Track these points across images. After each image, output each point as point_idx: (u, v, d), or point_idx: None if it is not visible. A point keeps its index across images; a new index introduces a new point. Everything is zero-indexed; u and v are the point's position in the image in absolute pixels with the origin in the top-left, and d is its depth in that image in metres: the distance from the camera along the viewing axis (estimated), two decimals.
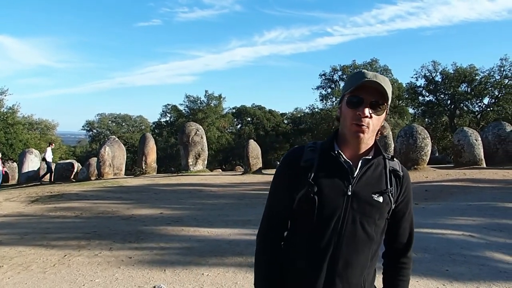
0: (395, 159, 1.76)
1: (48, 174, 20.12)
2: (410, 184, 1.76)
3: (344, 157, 1.65)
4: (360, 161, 1.66)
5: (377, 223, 1.65)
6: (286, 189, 1.70)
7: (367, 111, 1.58)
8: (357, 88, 1.59)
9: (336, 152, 1.66)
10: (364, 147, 1.67)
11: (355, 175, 1.64)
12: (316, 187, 1.61)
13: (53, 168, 20.78)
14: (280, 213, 1.74)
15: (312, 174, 1.63)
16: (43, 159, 20.54)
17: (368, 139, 1.64)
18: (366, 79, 1.58)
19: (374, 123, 1.61)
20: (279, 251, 1.73)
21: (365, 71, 1.64)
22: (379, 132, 1.72)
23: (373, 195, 1.63)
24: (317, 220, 1.61)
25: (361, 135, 1.60)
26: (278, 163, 1.89)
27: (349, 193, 1.61)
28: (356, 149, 1.66)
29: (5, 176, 20.68)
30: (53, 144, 23.63)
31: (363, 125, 1.58)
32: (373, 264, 1.69)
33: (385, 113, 1.65)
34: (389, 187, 1.66)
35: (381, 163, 1.70)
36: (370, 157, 1.68)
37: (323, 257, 1.60)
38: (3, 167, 20.41)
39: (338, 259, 1.59)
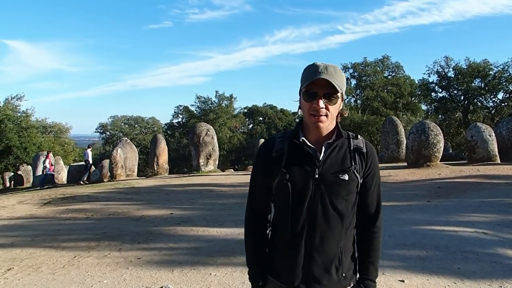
0: (359, 136, 1.92)
1: (87, 175, 20.74)
2: (375, 159, 1.92)
3: (309, 143, 1.83)
4: (324, 145, 1.84)
5: (347, 199, 1.81)
6: (263, 178, 1.92)
7: (321, 103, 1.75)
8: (311, 83, 1.75)
9: (301, 140, 1.84)
10: (325, 132, 1.84)
11: (320, 159, 1.81)
12: (287, 174, 1.79)
13: (91, 169, 21.53)
14: (258, 199, 1.97)
15: (283, 163, 1.82)
16: (85, 161, 21.43)
17: (328, 125, 1.82)
18: (317, 75, 1.74)
19: (331, 111, 1.78)
20: (261, 231, 1.98)
21: (317, 63, 1.79)
22: (339, 115, 1.88)
23: (338, 174, 1.79)
24: (292, 203, 1.79)
25: (320, 124, 1.78)
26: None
27: (316, 176, 1.78)
28: (318, 135, 1.84)
29: (50, 177, 21.06)
30: (91, 147, 24.39)
31: (321, 115, 1.76)
32: (348, 235, 1.86)
33: (339, 100, 1.81)
34: (353, 164, 1.83)
35: (345, 144, 1.87)
36: (332, 140, 1.85)
37: (300, 235, 1.79)
38: (51, 165, 21.06)
39: (314, 235, 1.78)
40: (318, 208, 1.78)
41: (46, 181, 20.53)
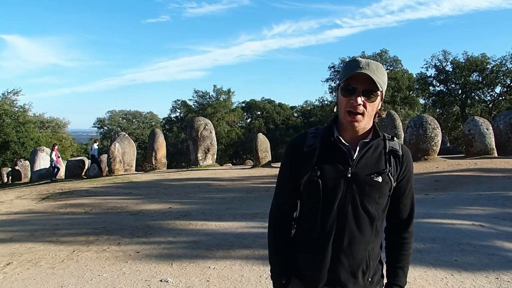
0: (395, 138, 1.85)
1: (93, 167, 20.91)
2: (410, 163, 1.84)
3: (343, 141, 1.76)
4: (359, 144, 1.76)
5: (378, 202, 1.74)
6: (292, 173, 1.85)
7: (359, 99, 1.67)
8: (350, 78, 1.67)
9: (335, 137, 1.77)
10: (362, 131, 1.76)
11: (354, 158, 1.74)
12: (319, 171, 1.73)
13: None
14: (285, 196, 1.90)
15: (315, 159, 1.76)
16: (92, 156, 21.78)
17: (364, 125, 1.73)
18: (358, 69, 1.66)
19: (368, 109, 1.70)
20: (286, 228, 1.90)
21: (359, 59, 1.71)
22: (377, 115, 1.80)
23: (372, 176, 1.72)
24: (322, 202, 1.73)
25: (356, 124, 1.70)
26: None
27: (349, 175, 1.71)
28: (353, 133, 1.76)
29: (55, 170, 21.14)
30: (98, 141, 24.59)
31: (357, 113, 1.68)
32: (377, 239, 1.80)
33: (379, 98, 1.73)
34: (388, 167, 1.76)
35: (380, 145, 1.80)
36: (368, 140, 1.77)
37: (328, 236, 1.72)
38: (58, 157, 21.17)
39: (343, 237, 1.71)
40: (348, 209, 1.71)
41: (52, 173, 20.61)
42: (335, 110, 1.84)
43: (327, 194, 1.72)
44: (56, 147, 21.76)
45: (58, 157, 21.31)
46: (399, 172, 1.79)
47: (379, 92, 1.70)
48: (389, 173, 1.75)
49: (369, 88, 1.68)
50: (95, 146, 22.21)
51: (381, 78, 1.70)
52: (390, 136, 1.83)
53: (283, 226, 1.91)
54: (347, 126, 1.75)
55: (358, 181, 1.71)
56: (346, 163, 1.73)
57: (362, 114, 1.69)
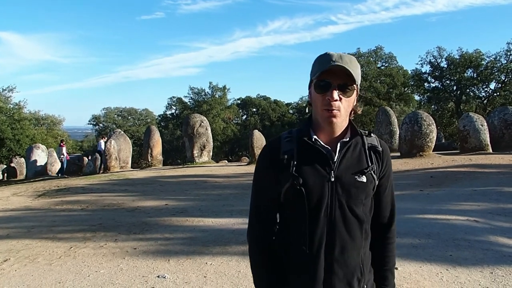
0: (372, 134, 1.75)
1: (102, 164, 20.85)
2: (390, 158, 1.75)
3: (322, 143, 1.65)
4: (338, 145, 1.65)
5: (364, 203, 1.64)
6: (270, 184, 1.69)
7: (335, 94, 1.56)
8: (324, 72, 1.57)
9: (313, 139, 1.65)
10: (339, 130, 1.66)
11: (335, 160, 1.62)
12: (301, 179, 1.59)
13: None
14: (267, 209, 1.73)
15: (294, 165, 1.62)
16: (98, 151, 21.57)
17: (341, 122, 1.63)
18: (331, 63, 1.56)
19: (344, 105, 1.60)
20: (271, 247, 1.73)
21: (330, 53, 1.61)
22: (353, 112, 1.70)
23: (355, 176, 1.62)
24: (307, 211, 1.60)
25: (334, 119, 1.59)
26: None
27: (332, 179, 1.60)
28: (331, 133, 1.65)
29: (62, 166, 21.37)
30: (105, 137, 24.70)
31: (334, 110, 1.57)
32: (367, 242, 1.70)
33: (355, 93, 1.64)
34: (370, 164, 1.66)
35: (359, 142, 1.69)
36: (347, 139, 1.67)
37: (319, 249, 1.59)
38: (68, 154, 21.71)
39: (334, 246, 1.59)
40: (336, 215, 1.60)
41: (61, 170, 21.06)
42: (307, 110, 1.75)
43: (312, 202, 1.60)
44: (64, 143, 22.05)
45: (67, 153, 21.81)
46: (381, 169, 1.70)
47: (355, 86, 1.61)
48: (372, 171, 1.66)
49: (345, 82, 1.58)
50: (102, 142, 21.96)
51: (356, 71, 1.59)
52: (366, 132, 1.74)
53: (266, 243, 1.73)
54: (324, 126, 1.63)
55: (343, 184, 1.60)
56: (328, 166, 1.62)
57: (339, 110, 1.59)
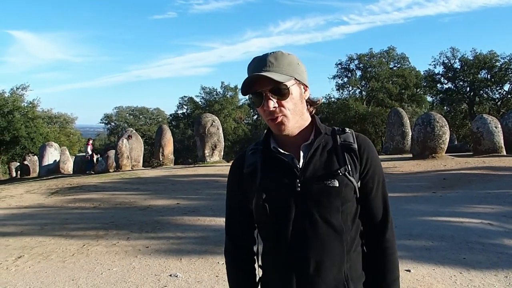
0: (347, 130, 1.56)
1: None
2: (372, 153, 1.53)
3: (282, 150, 1.50)
4: (301, 149, 1.50)
5: (343, 210, 1.45)
6: (239, 201, 1.60)
7: (271, 103, 1.42)
8: (251, 85, 1.44)
9: (272, 147, 1.52)
10: (295, 132, 1.50)
11: (300, 167, 1.47)
12: (264, 194, 1.46)
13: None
14: (236, 228, 1.63)
15: (258, 179, 1.50)
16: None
17: (294, 124, 1.48)
18: (250, 74, 1.44)
19: (289, 106, 1.44)
20: (246, 267, 1.61)
21: (253, 59, 1.49)
22: (309, 106, 1.57)
23: (325, 182, 1.43)
24: (274, 227, 1.47)
25: (282, 126, 1.45)
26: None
27: (298, 189, 1.44)
28: (289, 139, 1.51)
29: (91, 163, 22.05)
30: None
31: (278, 116, 1.44)
32: (354, 256, 1.48)
33: (295, 89, 1.47)
34: (342, 165, 1.46)
35: (329, 142, 1.52)
36: (310, 141, 1.51)
37: (290, 266, 1.44)
38: (96, 154, 22.77)
39: (308, 264, 1.42)
40: (306, 229, 1.42)
41: (89, 167, 21.68)
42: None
43: (277, 218, 1.44)
44: (91, 141, 23.54)
45: (92, 151, 22.68)
46: (360, 168, 1.50)
47: (288, 84, 1.43)
48: (347, 173, 1.45)
49: (275, 85, 1.41)
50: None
51: (284, 68, 1.43)
52: (340, 129, 1.55)
53: (245, 264, 1.60)
54: (278, 134, 1.50)
55: (311, 192, 1.43)
56: (292, 175, 1.45)
57: (284, 114, 1.44)
